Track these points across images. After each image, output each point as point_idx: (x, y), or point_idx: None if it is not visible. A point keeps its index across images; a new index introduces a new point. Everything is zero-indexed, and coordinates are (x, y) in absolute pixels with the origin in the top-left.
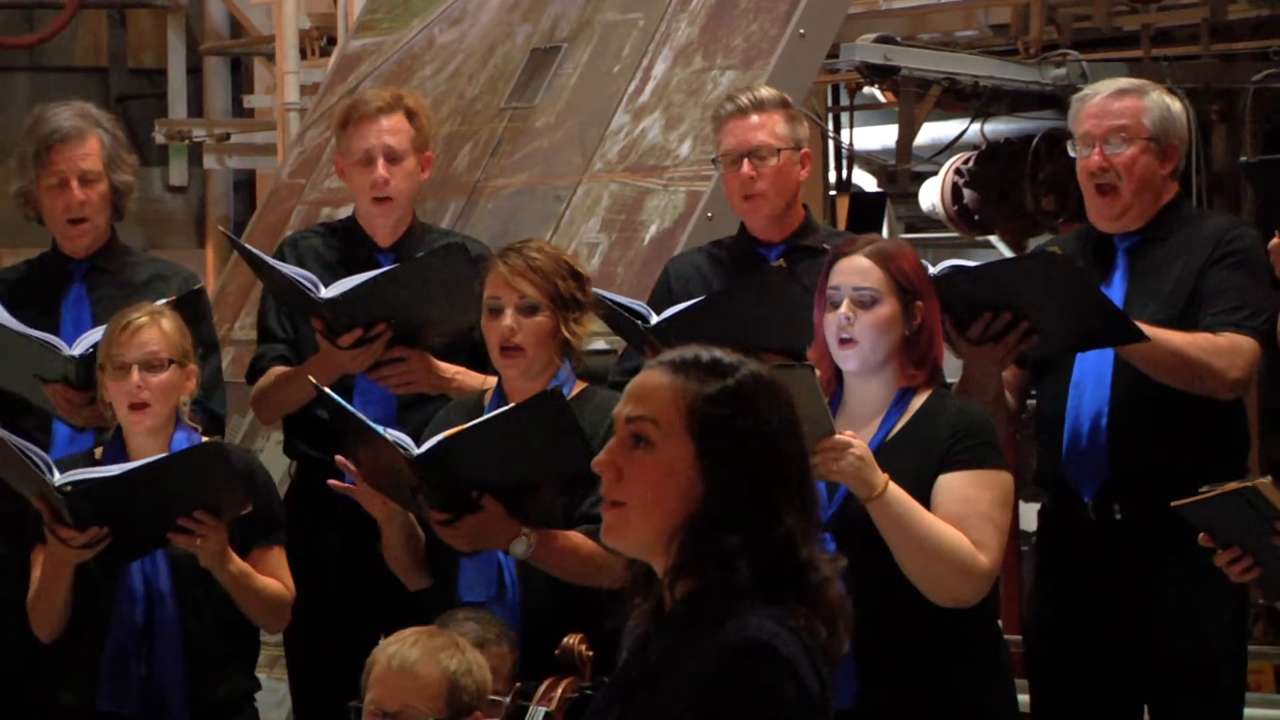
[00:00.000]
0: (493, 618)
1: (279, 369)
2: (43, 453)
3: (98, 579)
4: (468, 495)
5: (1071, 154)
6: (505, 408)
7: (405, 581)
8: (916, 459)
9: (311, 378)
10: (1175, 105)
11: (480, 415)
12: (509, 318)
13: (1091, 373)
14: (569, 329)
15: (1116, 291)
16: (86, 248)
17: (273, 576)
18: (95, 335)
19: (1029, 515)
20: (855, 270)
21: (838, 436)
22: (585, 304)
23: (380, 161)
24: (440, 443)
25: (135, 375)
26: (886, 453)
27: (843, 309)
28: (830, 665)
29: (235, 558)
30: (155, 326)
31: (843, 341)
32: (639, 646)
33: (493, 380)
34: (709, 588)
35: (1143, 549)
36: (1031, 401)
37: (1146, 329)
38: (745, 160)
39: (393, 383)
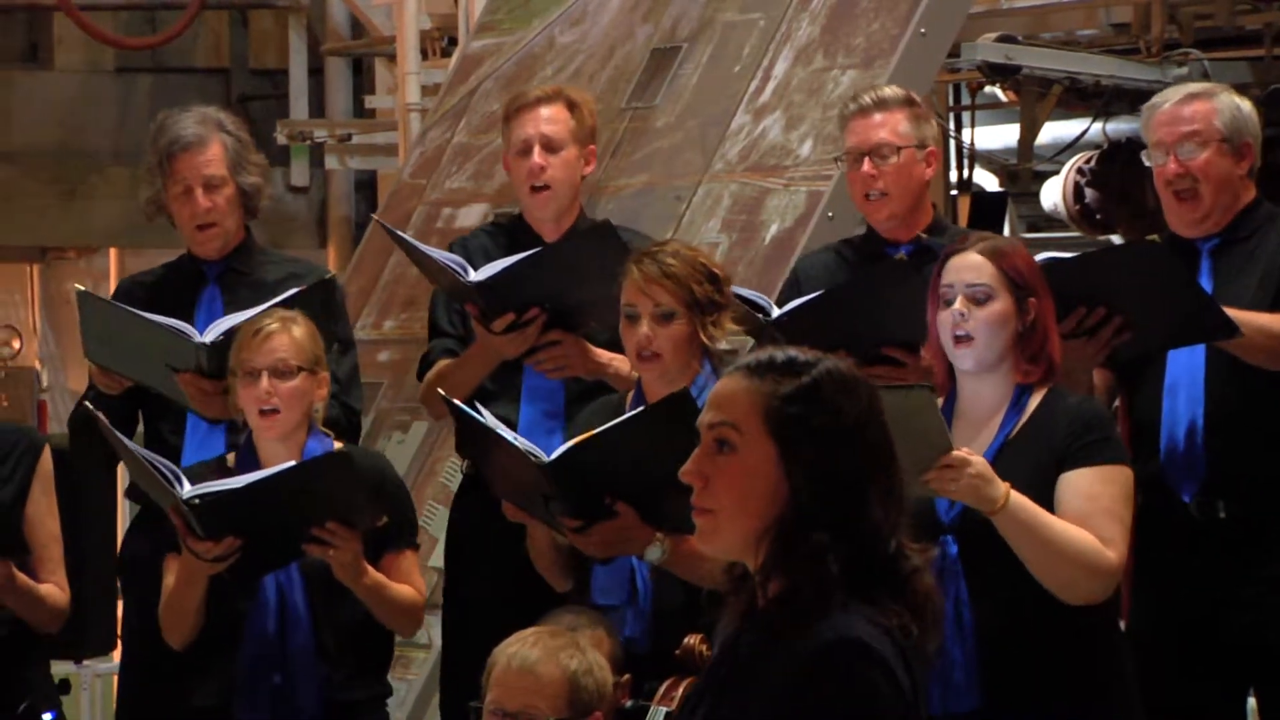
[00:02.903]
0: (590, 613)
1: (444, 362)
2: (173, 465)
3: (232, 591)
4: (600, 501)
5: (1146, 163)
6: (634, 411)
7: (552, 583)
8: (1037, 458)
9: (441, 390)
10: (1245, 104)
11: (619, 417)
12: (645, 325)
13: (1184, 375)
14: (707, 332)
15: None
16: (218, 250)
17: (405, 581)
18: (227, 323)
19: None
20: (968, 267)
21: (955, 454)
22: (724, 305)
23: (536, 149)
24: (571, 448)
25: (265, 382)
26: (1008, 453)
27: (956, 305)
28: (922, 663)
29: (370, 570)
30: (286, 333)
31: (959, 340)
32: (730, 644)
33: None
34: (799, 586)
35: (1247, 545)
36: None
37: (1234, 313)
38: (866, 159)
39: (547, 367)
